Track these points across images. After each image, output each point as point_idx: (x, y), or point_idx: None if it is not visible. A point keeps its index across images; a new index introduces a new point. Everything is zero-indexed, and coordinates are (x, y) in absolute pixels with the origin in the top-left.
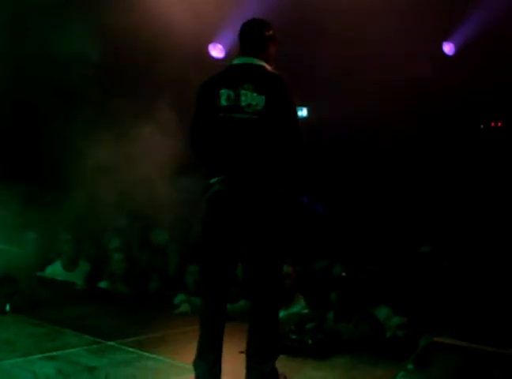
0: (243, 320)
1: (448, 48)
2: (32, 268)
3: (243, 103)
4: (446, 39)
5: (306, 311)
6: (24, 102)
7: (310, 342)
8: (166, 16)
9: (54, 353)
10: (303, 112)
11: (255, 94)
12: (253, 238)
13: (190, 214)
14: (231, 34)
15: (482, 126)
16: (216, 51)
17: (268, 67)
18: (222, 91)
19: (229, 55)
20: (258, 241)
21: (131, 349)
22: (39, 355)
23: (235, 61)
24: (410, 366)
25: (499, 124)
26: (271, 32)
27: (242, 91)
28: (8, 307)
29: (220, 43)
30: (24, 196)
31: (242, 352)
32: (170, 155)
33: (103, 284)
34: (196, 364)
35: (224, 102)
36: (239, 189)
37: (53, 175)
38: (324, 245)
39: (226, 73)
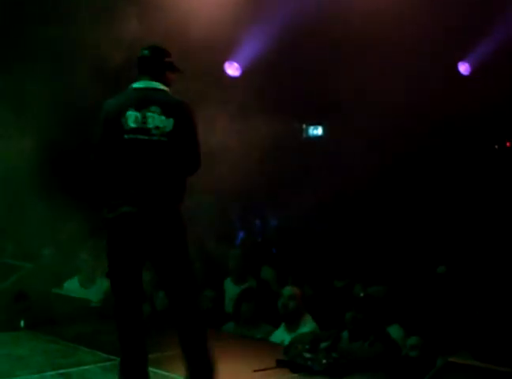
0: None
1: (463, 68)
2: (47, 284)
3: (151, 126)
4: (461, 59)
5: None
6: None
7: (324, 361)
8: (182, 34)
9: (68, 370)
10: (318, 131)
11: (163, 117)
12: (163, 258)
13: (202, 232)
14: (248, 52)
15: (497, 146)
16: (232, 69)
17: (169, 92)
18: (129, 112)
19: (245, 73)
20: (170, 261)
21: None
22: (53, 372)
23: (137, 85)
24: None
25: None
26: (170, 59)
27: (149, 114)
28: (22, 323)
29: (236, 62)
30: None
31: (256, 371)
32: None
33: None
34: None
35: (131, 123)
36: (146, 209)
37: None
38: (346, 264)
39: (131, 95)
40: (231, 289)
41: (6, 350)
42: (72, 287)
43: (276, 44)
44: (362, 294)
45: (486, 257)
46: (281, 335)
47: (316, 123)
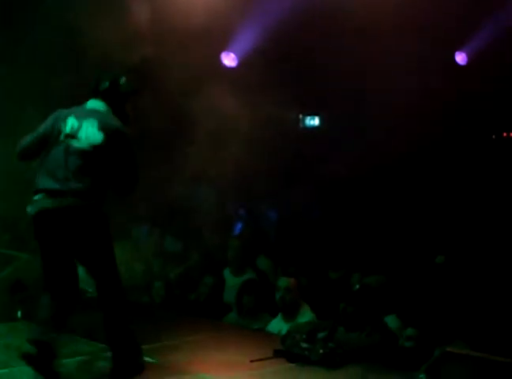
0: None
1: (460, 58)
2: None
3: (82, 135)
4: (458, 48)
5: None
6: None
7: (321, 351)
8: (178, 23)
9: (65, 360)
10: (315, 121)
11: (96, 130)
12: (81, 250)
13: (202, 223)
14: (244, 43)
15: (494, 137)
16: (229, 60)
17: (112, 113)
18: (69, 119)
19: (241, 64)
20: (86, 252)
21: (144, 357)
22: None
23: (88, 105)
24: (422, 376)
25: None
26: (107, 84)
27: (85, 125)
28: (19, 314)
29: (232, 52)
30: None
31: (253, 361)
32: (182, 163)
33: None
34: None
35: (68, 129)
36: (60, 206)
37: None
38: (342, 254)
39: (79, 109)
40: (230, 279)
41: (3, 341)
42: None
43: (273, 34)
44: (357, 286)
45: (485, 248)
46: (278, 325)
47: (313, 113)
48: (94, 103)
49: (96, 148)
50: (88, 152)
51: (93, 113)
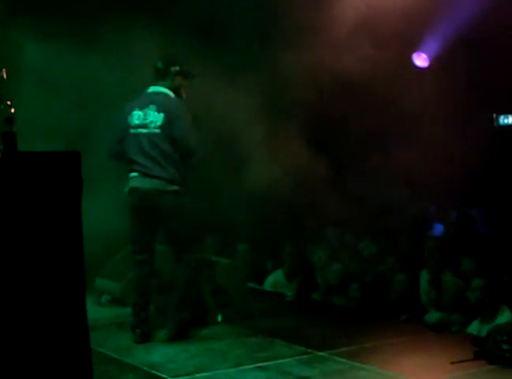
0: (438, 331)
1: None
2: (244, 278)
3: (148, 121)
4: None
5: None
6: None
7: None
8: (373, 25)
9: (266, 363)
10: (509, 119)
11: (156, 113)
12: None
13: (395, 226)
14: (436, 43)
15: None
16: (420, 60)
17: (171, 94)
18: (134, 112)
19: (432, 64)
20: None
21: (342, 359)
22: (251, 365)
23: (149, 90)
24: None
25: None
26: (177, 68)
27: (148, 112)
28: (220, 317)
29: (424, 52)
30: None
31: (453, 363)
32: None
33: (316, 295)
34: None
35: (135, 121)
36: (146, 185)
37: None
38: None
39: (140, 98)
40: (424, 280)
41: (205, 345)
42: (276, 280)
43: (465, 34)
44: None
45: None
46: (478, 327)
47: (507, 112)
48: (157, 88)
49: (161, 128)
50: (157, 134)
51: (153, 97)
